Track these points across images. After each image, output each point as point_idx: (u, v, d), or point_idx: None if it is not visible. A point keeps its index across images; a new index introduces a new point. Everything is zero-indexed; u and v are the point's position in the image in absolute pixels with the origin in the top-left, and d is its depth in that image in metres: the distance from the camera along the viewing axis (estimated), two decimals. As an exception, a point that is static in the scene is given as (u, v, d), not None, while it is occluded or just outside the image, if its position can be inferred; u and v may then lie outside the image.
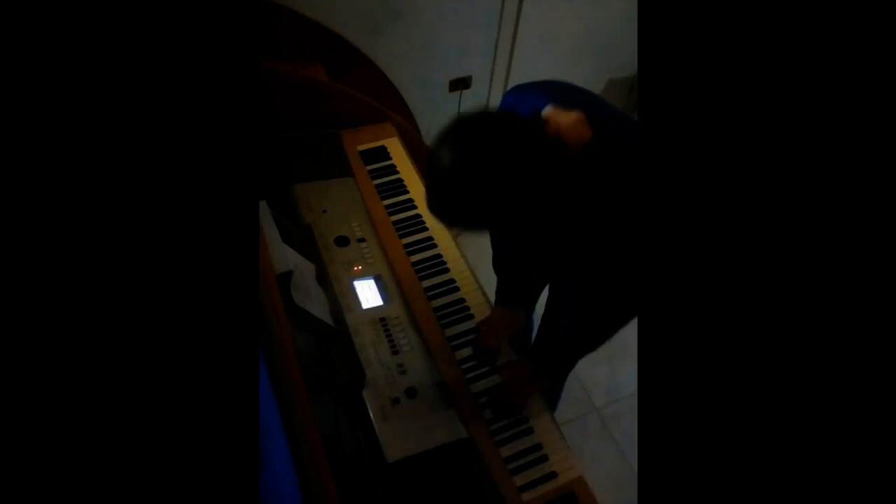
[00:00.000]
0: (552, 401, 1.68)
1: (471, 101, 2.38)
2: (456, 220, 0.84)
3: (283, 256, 1.19)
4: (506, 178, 0.76)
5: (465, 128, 0.80)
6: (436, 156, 0.79)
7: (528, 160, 0.77)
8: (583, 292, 1.17)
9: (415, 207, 1.50)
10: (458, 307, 1.32)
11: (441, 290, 1.35)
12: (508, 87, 2.44)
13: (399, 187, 1.55)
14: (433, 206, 0.83)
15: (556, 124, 0.86)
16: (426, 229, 1.46)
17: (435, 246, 1.43)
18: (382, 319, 1.25)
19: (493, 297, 1.37)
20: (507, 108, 1.03)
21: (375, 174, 1.57)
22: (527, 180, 0.77)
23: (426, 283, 1.35)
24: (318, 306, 1.18)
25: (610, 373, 1.97)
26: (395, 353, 1.20)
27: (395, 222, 1.46)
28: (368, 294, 1.29)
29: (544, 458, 1.10)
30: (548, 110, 0.92)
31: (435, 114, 2.35)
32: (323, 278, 1.30)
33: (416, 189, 1.55)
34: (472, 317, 1.30)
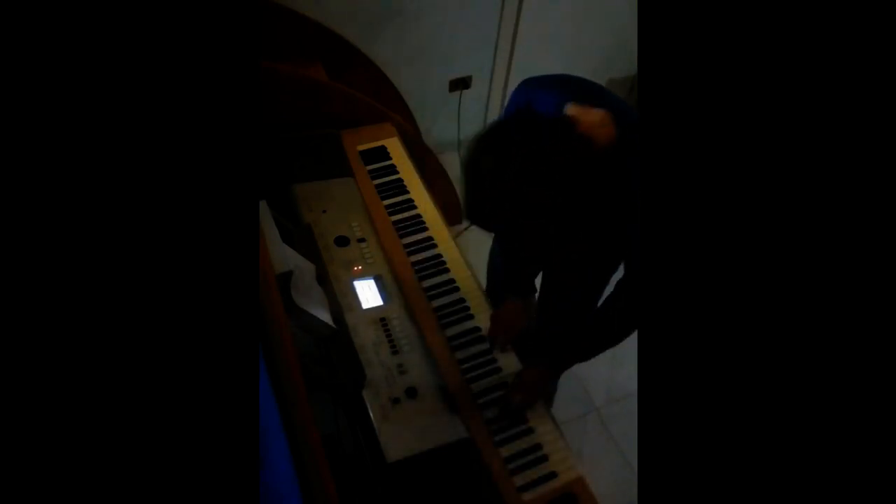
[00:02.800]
0: (549, 395, 1.68)
1: (471, 101, 2.38)
2: (498, 223, 0.86)
3: (283, 256, 1.19)
4: (543, 179, 0.77)
5: (500, 133, 0.82)
6: (476, 163, 0.81)
7: (564, 161, 0.78)
8: (590, 282, 1.17)
9: (415, 207, 1.50)
10: (458, 307, 1.32)
11: (441, 290, 1.34)
12: (508, 87, 2.45)
13: (399, 187, 1.55)
14: (475, 212, 0.84)
15: (584, 123, 0.86)
16: (426, 229, 1.46)
17: (435, 246, 1.43)
18: (382, 319, 1.25)
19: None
20: (522, 102, 1.03)
21: (375, 174, 1.57)
22: (563, 180, 0.79)
23: (426, 283, 1.35)
24: (318, 306, 1.18)
25: (610, 373, 1.97)
26: (395, 353, 1.20)
27: (395, 222, 1.46)
28: (368, 294, 1.29)
29: (544, 458, 1.10)
30: (571, 108, 0.91)
31: (435, 114, 2.35)
32: (323, 278, 1.30)
33: (416, 189, 1.55)
34: (472, 317, 1.30)
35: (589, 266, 1.24)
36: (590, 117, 0.88)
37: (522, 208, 0.80)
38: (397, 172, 1.59)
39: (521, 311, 1.27)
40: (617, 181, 0.90)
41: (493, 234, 1.07)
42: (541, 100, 0.97)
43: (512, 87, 2.38)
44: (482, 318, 1.30)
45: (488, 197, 0.81)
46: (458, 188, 2.08)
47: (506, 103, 1.10)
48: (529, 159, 0.77)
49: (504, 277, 1.34)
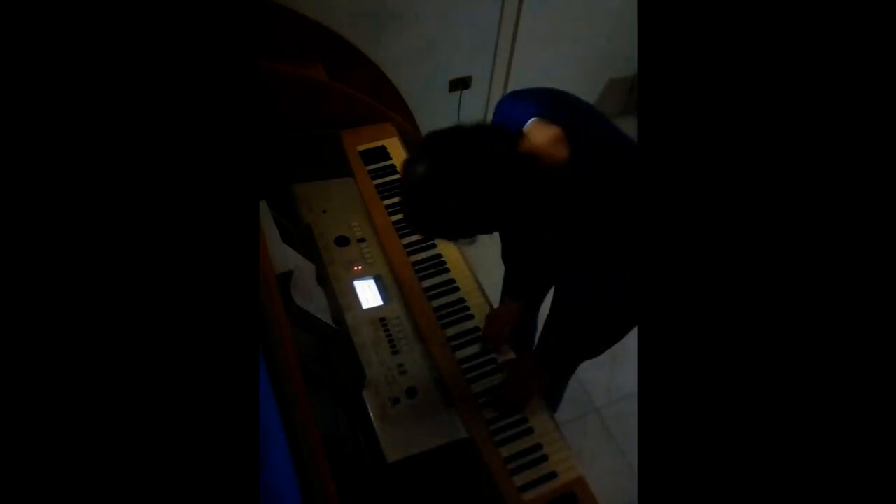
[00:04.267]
0: (553, 401, 1.68)
1: (471, 101, 2.38)
2: (427, 229, 0.89)
3: (283, 256, 1.19)
4: (472, 189, 0.79)
5: (436, 141, 0.84)
6: (408, 168, 0.84)
7: (496, 173, 0.80)
8: (584, 287, 1.17)
9: (415, 207, 1.50)
10: (458, 307, 1.32)
11: (441, 290, 1.34)
12: (508, 87, 2.45)
13: (399, 187, 1.55)
14: (406, 216, 0.87)
15: (534, 140, 0.89)
16: (426, 229, 1.46)
17: (435, 246, 1.43)
18: (382, 319, 1.25)
19: (492, 298, 1.37)
20: (503, 114, 1.05)
21: (375, 174, 1.57)
22: (493, 192, 0.80)
23: (426, 283, 1.35)
24: (318, 306, 1.18)
25: (610, 373, 1.97)
26: (395, 353, 1.20)
27: (395, 222, 1.46)
28: (368, 294, 1.29)
29: (544, 458, 1.10)
30: (530, 124, 0.94)
31: (435, 114, 2.35)
32: (323, 278, 1.30)
33: (416, 189, 1.55)
34: (472, 317, 1.30)
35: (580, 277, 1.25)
36: (540, 134, 0.91)
37: (449, 216, 0.81)
38: (397, 172, 1.59)
39: (515, 312, 1.27)
40: (570, 197, 0.92)
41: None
42: (514, 113, 1.01)
43: (512, 87, 2.40)
44: (482, 318, 1.30)
45: (415, 202, 0.84)
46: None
47: (489, 114, 1.13)
48: (457, 168, 0.79)
49: (505, 277, 1.35)
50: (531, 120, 0.94)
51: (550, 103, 0.98)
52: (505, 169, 0.81)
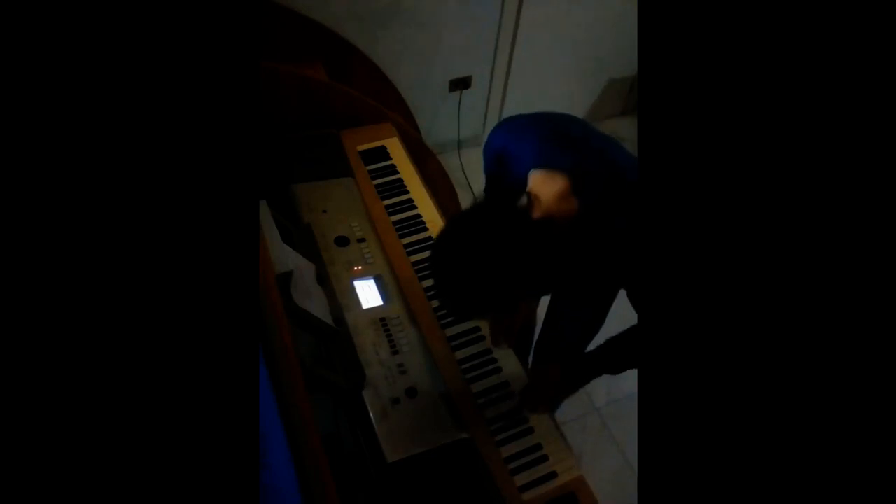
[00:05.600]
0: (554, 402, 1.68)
1: (471, 101, 2.38)
2: (467, 313, 0.98)
3: (283, 256, 1.19)
4: (503, 270, 0.83)
5: (461, 234, 0.87)
6: (439, 258, 0.88)
7: (521, 252, 0.83)
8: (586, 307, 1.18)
9: (415, 207, 1.50)
10: (458, 307, 1.32)
11: (441, 290, 1.34)
12: (508, 88, 2.45)
13: (399, 187, 1.55)
14: (447, 306, 0.95)
15: (542, 197, 0.91)
16: (426, 229, 1.46)
17: (435, 246, 1.43)
18: (382, 319, 1.25)
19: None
20: (499, 148, 1.08)
21: (375, 174, 1.57)
22: (523, 266, 0.84)
23: (426, 283, 1.35)
24: (318, 306, 1.18)
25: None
26: (395, 353, 1.20)
27: (395, 222, 1.46)
28: (368, 294, 1.29)
29: (544, 458, 1.10)
30: (533, 178, 0.95)
31: (435, 114, 2.35)
32: (323, 278, 1.30)
33: (416, 189, 1.55)
34: (472, 317, 1.30)
35: (587, 294, 1.26)
36: (547, 191, 0.92)
37: (486, 298, 0.86)
38: (397, 172, 1.59)
39: (555, 375, 1.23)
40: (586, 244, 0.94)
41: None
42: (514, 152, 1.02)
43: (512, 87, 2.40)
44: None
45: (457, 293, 0.87)
46: (458, 188, 2.08)
47: (485, 143, 1.15)
48: (486, 256, 0.83)
49: None
50: (533, 172, 0.95)
51: (548, 144, 0.99)
52: (526, 245, 0.84)
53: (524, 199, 0.90)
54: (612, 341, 1.10)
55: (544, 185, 0.93)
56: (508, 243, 0.83)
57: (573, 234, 0.92)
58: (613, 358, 1.11)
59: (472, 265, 0.83)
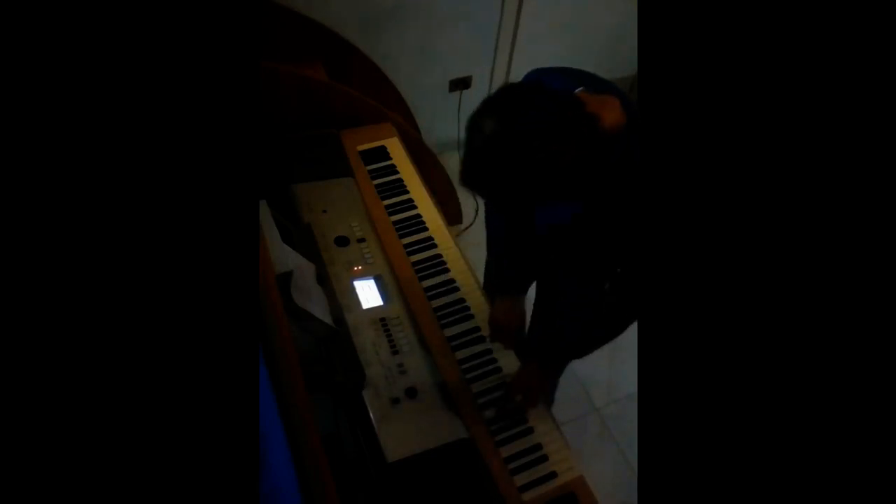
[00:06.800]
0: (549, 396, 1.68)
1: (471, 101, 2.38)
2: (492, 189, 0.82)
3: (283, 256, 1.19)
4: (546, 149, 0.74)
5: (510, 97, 0.78)
6: (477, 124, 0.77)
7: (571, 133, 0.76)
8: (581, 277, 1.17)
9: (415, 207, 1.50)
10: (458, 307, 1.32)
11: (441, 290, 1.34)
12: (508, 87, 2.43)
13: (399, 187, 1.55)
14: (469, 174, 0.81)
15: (593, 104, 0.84)
16: (426, 229, 1.46)
17: (435, 246, 1.43)
18: (382, 319, 1.25)
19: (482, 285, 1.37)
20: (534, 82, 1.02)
21: (375, 174, 1.57)
22: (567, 154, 0.75)
23: (426, 283, 1.35)
24: (318, 306, 1.18)
25: (610, 373, 1.97)
26: (395, 353, 1.20)
27: (395, 222, 1.46)
28: (368, 294, 1.29)
29: (544, 458, 1.10)
30: (581, 92, 0.90)
31: (435, 114, 2.35)
32: (323, 278, 1.30)
33: (416, 189, 1.55)
34: (472, 317, 1.30)
35: (585, 266, 1.24)
36: (599, 100, 0.87)
37: (519, 176, 0.76)
38: (397, 172, 1.59)
39: (512, 308, 1.24)
40: (621, 169, 0.88)
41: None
42: (552, 83, 0.94)
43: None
44: (482, 318, 1.30)
45: (484, 159, 0.78)
46: (458, 188, 2.08)
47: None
48: (532, 125, 0.75)
49: (495, 272, 1.33)
50: (578, 90, 0.91)
51: (587, 79, 0.96)
52: (576, 128, 0.76)
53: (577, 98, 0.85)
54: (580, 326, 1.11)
55: (593, 100, 0.87)
56: (559, 119, 0.75)
57: (616, 145, 0.86)
58: (581, 342, 1.12)
59: (518, 131, 0.75)
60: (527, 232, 1.22)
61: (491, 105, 0.78)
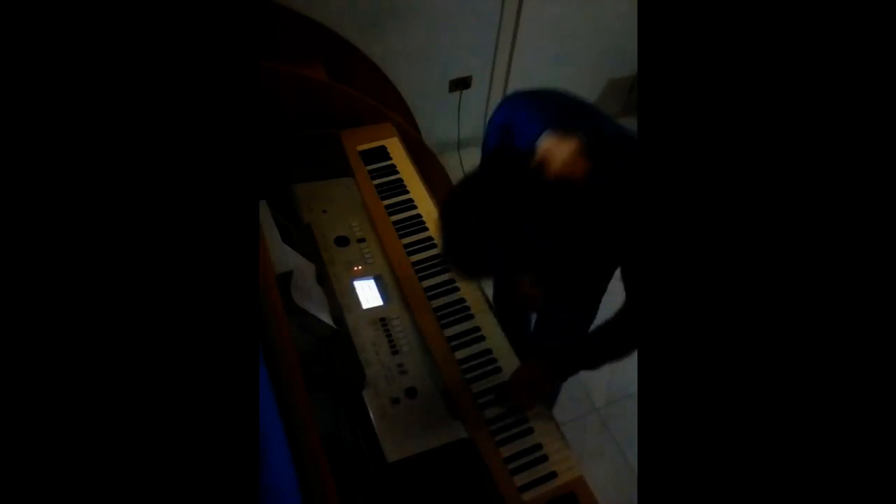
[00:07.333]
0: (550, 396, 1.68)
1: (471, 101, 2.38)
2: (471, 269, 0.93)
3: (283, 256, 1.19)
4: (513, 226, 0.82)
5: (474, 184, 0.86)
6: (450, 211, 0.86)
7: (533, 208, 0.82)
8: (580, 302, 1.18)
9: (415, 207, 1.50)
10: (458, 307, 1.32)
11: (441, 290, 1.34)
12: (508, 87, 2.45)
13: (399, 187, 1.55)
14: (451, 257, 0.90)
15: (555, 163, 0.89)
16: (426, 229, 1.46)
17: (435, 246, 1.43)
18: (382, 319, 1.25)
19: (492, 297, 1.37)
20: (505, 120, 1.05)
21: (375, 174, 1.57)
22: (534, 222, 0.82)
23: (426, 283, 1.35)
24: (318, 306, 1.18)
25: (610, 373, 1.97)
26: (395, 353, 1.20)
27: (395, 222, 1.46)
28: (368, 294, 1.29)
29: (544, 458, 1.10)
30: (544, 142, 0.93)
31: (435, 114, 2.35)
32: (323, 278, 1.30)
33: (416, 189, 1.55)
34: (472, 317, 1.30)
35: (584, 281, 1.25)
36: (559, 152, 0.91)
37: (496, 258, 0.85)
38: (397, 172, 1.59)
39: (541, 370, 1.18)
40: (596, 208, 0.93)
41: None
42: (520, 122, 1.00)
43: (512, 87, 2.40)
44: (482, 318, 1.30)
45: (462, 245, 0.86)
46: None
47: (490, 117, 1.13)
48: (500, 209, 0.82)
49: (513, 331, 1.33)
50: (545, 134, 0.94)
51: (559, 111, 0.98)
52: (537, 208, 0.83)
53: (534, 161, 0.90)
54: (591, 337, 1.11)
55: (556, 147, 0.92)
56: (522, 201, 0.82)
57: (586, 195, 0.90)
58: (592, 354, 1.12)
59: (485, 223, 0.82)
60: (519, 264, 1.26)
61: (459, 192, 0.88)
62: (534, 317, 1.59)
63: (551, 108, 0.99)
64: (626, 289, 0.99)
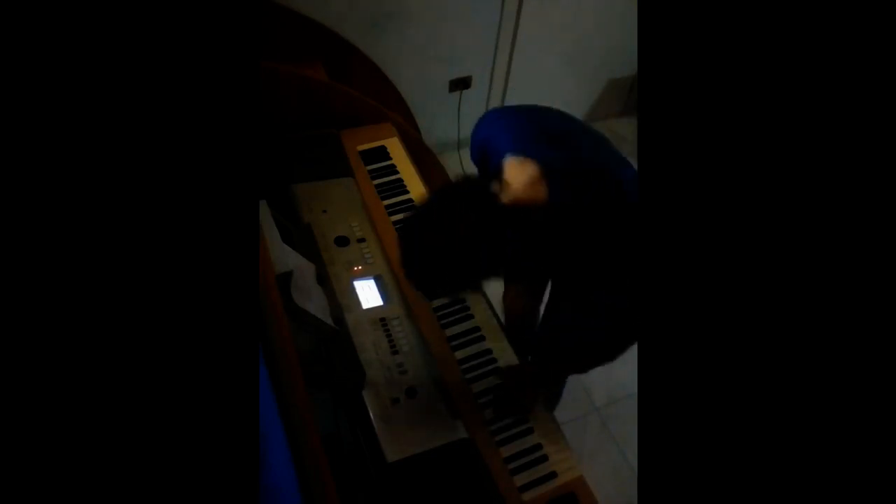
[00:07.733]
0: (552, 400, 1.69)
1: (471, 101, 2.38)
2: (431, 292, 0.98)
3: (283, 256, 1.19)
4: (464, 251, 0.84)
5: (430, 213, 0.89)
6: (408, 238, 0.88)
7: (483, 233, 0.84)
8: (576, 304, 1.19)
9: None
10: (458, 307, 1.32)
11: (441, 290, 1.34)
12: (508, 87, 2.44)
13: (399, 187, 1.55)
14: (412, 282, 0.92)
15: (512, 188, 0.91)
16: (426, 229, 1.46)
17: (435, 246, 1.42)
18: (382, 319, 1.25)
19: (492, 297, 1.37)
20: (478, 142, 1.08)
21: (375, 174, 1.57)
22: (488, 247, 0.85)
23: (426, 283, 1.35)
24: (318, 306, 1.18)
25: (610, 373, 1.97)
26: (395, 353, 1.20)
27: (395, 222, 1.46)
28: (368, 294, 1.29)
29: (544, 458, 1.10)
30: (506, 163, 0.95)
31: (435, 114, 2.35)
32: (323, 278, 1.30)
33: (416, 189, 1.55)
34: (471, 316, 1.30)
35: (575, 288, 1.27)
36: (519, 177, 0.92)
37: (455, 280, 0.89)
38: (397, 172, 1.59)
39: (524, 374, 1.21)
40: (552, 233, 0.95)
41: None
42: (493, 142, 1.02)
43: (512, 87, 2.40)
44: (482, 318, 1.30)
45: (420, 271, 0.88)
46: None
47: (472, 131, 1.14)
48: (452, 244, 0.84)
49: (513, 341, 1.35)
50: (507, 157, 0.96)
51: (528, 134, 0.99)
52: (493, 234, 0.85)
53: (496, 185, 0.91)
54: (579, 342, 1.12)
55: (515, 172, 0.93)
56: (472, 225, 0.84)
57: (543, 220, 0.92)
58: (580, 359, 1.14)
59: (436, 245, 0.85)
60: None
61: (416, 221, 0.90)
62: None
63: (522, 129, 1.01)
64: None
